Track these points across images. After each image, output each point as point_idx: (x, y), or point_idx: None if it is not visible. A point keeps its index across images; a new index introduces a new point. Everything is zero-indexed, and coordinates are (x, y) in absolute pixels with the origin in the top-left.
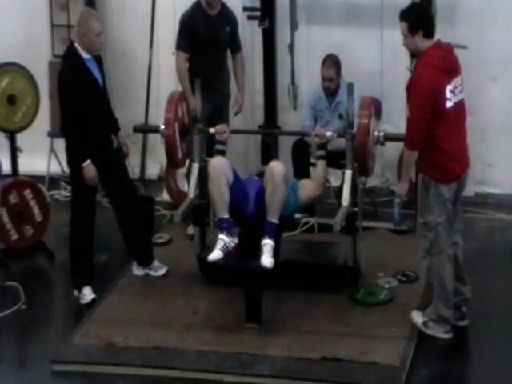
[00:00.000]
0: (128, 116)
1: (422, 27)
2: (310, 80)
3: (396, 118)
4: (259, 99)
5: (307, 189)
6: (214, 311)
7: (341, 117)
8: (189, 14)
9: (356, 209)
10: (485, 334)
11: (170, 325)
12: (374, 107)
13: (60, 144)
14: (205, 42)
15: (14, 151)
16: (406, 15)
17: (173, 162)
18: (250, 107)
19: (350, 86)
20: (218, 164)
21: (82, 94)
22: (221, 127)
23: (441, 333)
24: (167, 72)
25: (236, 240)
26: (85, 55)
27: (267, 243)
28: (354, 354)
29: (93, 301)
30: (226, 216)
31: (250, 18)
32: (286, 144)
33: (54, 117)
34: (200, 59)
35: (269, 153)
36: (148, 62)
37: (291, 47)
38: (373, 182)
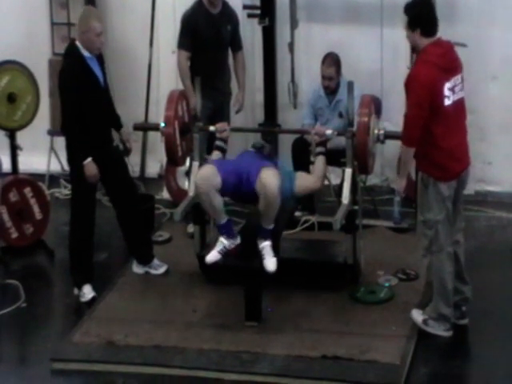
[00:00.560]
0: (128, 114)
1: (421, 25)
2: (310, 78)
3: (396, 117)
4: (259, 97)
5: (305, 180)
6: (214, 309)
7: (341, 115)
8: (190, 12)
9: (356, 207)
10: (484, 332)
11: (170, 323)
12: (374, 105)
13: (60, 142)
14: (206, 40)
15: (14, 149)
16: (408, 9)
17: (173, 160)
18: (249, 105)
19: (350, 85)
20: (202, 179)
21: (83, 92)
22: (221, 125)
23: (441, 331)
24: (167, 70)
25: (237, 241)
26: (85, 53)
27: (265, 245)
28: (354, 352)
29: (93, 299)
30: (224, 221)
31: (250, 16)
32: (286, 142)
33: (54, 115)
34: (201, 58)
35: None
36: (148, 61)
37: (291, 45)
38: (373, 180)
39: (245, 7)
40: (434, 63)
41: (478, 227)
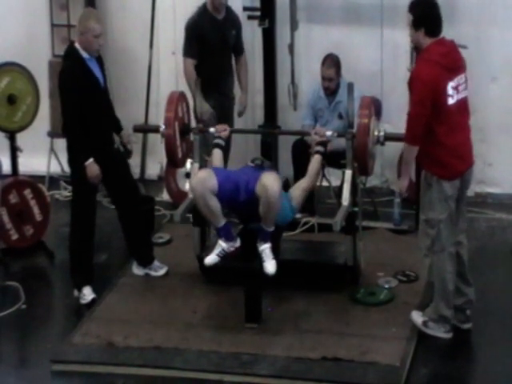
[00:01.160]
0: (128, 116)
1: (425, 24)
2: (309, 79)
3: (396, 118)
4: (259, 99)
5: (297, 189)
6: (214, 311)
7: (340, 116)
8: (195, 19)
9: (356, 208)
10: (485, 333)
11: (170, 324)
12: (374, 107)
13: (60, 143)
14: (213, 46)
15: (14, 151)
16: (412, 8)
17: (173, 162)
18: (250, 107)
19: (350, 86)
20: (198, 182)
21: (83, 93)
22: (220, 127)
23: (441, 333)
24: (167, 72)
25: (237, 243)
26: (85, 55)
27: (265, 248)
28: (354, 353)
29: (93, 300)
30: (222, 223)
31: (250, 17)
32: (285, 144)
33: (54, 116)
34: (207, 63)
35: (269, 152)
36: (148, 62)
37: (291, 47)
38: (373, 181)
39: (245, 9)
40: (436, 62)
41: (478, 228)
